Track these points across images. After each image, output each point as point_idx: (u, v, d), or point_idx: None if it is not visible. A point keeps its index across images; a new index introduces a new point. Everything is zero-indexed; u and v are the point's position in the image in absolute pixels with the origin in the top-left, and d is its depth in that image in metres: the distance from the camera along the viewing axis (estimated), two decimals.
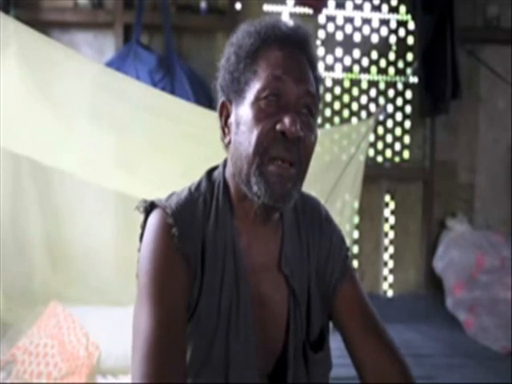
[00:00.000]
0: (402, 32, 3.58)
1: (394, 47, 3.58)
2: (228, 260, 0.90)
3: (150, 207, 0.93)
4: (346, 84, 3.55)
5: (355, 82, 3.55)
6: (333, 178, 2.59)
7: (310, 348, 0.97)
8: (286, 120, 0.84)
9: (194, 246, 0.89)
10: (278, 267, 0.96)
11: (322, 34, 3.49)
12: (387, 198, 3.64)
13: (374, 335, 0.97)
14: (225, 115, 0.94)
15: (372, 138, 3.37)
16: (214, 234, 0.90)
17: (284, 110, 0.85)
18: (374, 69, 3.56)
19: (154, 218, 0.91)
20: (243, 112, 0.88)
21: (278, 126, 0.84)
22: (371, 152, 3.52)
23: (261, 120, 0.85)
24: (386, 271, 3.65)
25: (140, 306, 0.85)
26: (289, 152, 0.85)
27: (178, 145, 1.99)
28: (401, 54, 3.59)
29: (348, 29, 3.53)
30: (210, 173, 0.98)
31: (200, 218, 0.91)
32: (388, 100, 3.55)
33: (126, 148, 1.99)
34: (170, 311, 0.84)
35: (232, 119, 0.91)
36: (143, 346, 0.80)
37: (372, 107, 3.54)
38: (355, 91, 3.56)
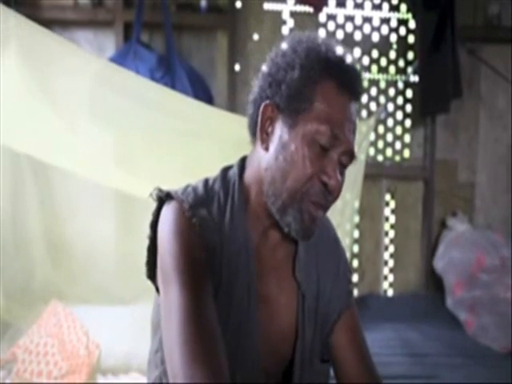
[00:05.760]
0: (402, 31, 3.57)
1: (394, 46, 3.58)
2: (242, 259, 0.91)
3: (165, 197, 0.93)
4: None
5: None
6: None
7: (317, 357, 0.99)
8: (331, 174, 0.89)
9: (214, 239, 0.90)
10: (288, 273, 0.98)
11: (322, 32, 3.48)
12: (387, 197, 3.64)
13: (365, 365, 1.01)
14: (267, 117, 0.93)
15: (372, 136, 3.37)
16: (229, 232, 0.91)
17: (329, 162, 0.90)
18: (374, 67, 3.56)
19: (171, 208, 0.91)
20: (292, 139, 0.89)
21: (324, 179, 0.89)
22: (371, 151, 3.52)
23: (310, 163, 0.88)
24: (386, 270, 3.65)
25: (169, 283, 0.85)
26: (325, 199, 0.91)
27: (179, 141, 1.98)
28: (401, 53, 3.58)
29: (348, 27, 3.52)
30: (224, 172, 0.99)
31: (216, 216, 0.91)
32: (388, 99, 3.55)
33: (126, 145, 1.98)
34: (200, 284, 0.84)
35: (276, 132, 0.91)
36: (180, 312, 0.80)
37: (372, 106, 3.54)
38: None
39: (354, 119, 0.92)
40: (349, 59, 0.93)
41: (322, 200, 0.90)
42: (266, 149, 0.92)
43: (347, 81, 0.91)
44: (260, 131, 0.93)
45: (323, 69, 0.89)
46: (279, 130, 0.91)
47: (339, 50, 0.93)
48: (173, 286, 0.83)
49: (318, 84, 0.89)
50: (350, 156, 0.92)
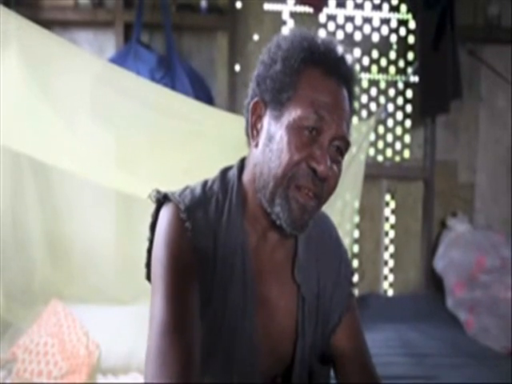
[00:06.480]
0: (402, 31, 3.57)
1: (394, 46, 3.58)
2: (238, 260, 0.91)
3: (163, 199, 0.93)
4: None
5: None
6: None
7: (317, 359, 0.99)
8: (320, 159, 0.86)
9: (207, 242, 0.90)
10: (287, 274, 0.97)
11: (322, 33, 3.49)
12: (387, 197, 3.64)
13: (365, 366, 1.01)
14: (256, 114, 0.93)
15: (372, 137, 3.37)
16: (225, 233, 0.91)
17: (318, 147, 0.87)
18: (374, 68, 3.56)
19: (167, 211, 0.91)
20: (278, 130, 0.88)
21: (312, 164, 0.86)
22: (371, 151, 3.52)
23: (295, 149, 0.86)
24: (386, 271, 3.65)
25: (155, 293, 0.85)
26: (315, 185, 0.87)
27: (180, 142, 1.99)
28: (401, 53, 3.58)
29: (349, 28, 3.52)
30: (223, 173, 0.99)
31: (212, 217, 0.91)
32: (388, 99, 3.55)
33: (126, 146, 1.98)
34: (184, 296, 0.84)
35: (264, 127, 0.91)
36: (158, 325, 0.81)
37: (372, 106, 3.54)
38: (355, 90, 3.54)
39: (344, 106, 0.90)
40: (335, 46, 0.92)
41: (311, 185, 0.87)
42: (257, 145, 0.92)
43: (332, 66, 0.89)
44: (251, 129, 0.94)
45: (306, 57, 0.88)
46: (267, 124, 0.90)
47: (339, 49, 0.92)
48: (157, 297, 0.84)
49: (301, 72, 0.88)
50: (343, 142, 0.90)
